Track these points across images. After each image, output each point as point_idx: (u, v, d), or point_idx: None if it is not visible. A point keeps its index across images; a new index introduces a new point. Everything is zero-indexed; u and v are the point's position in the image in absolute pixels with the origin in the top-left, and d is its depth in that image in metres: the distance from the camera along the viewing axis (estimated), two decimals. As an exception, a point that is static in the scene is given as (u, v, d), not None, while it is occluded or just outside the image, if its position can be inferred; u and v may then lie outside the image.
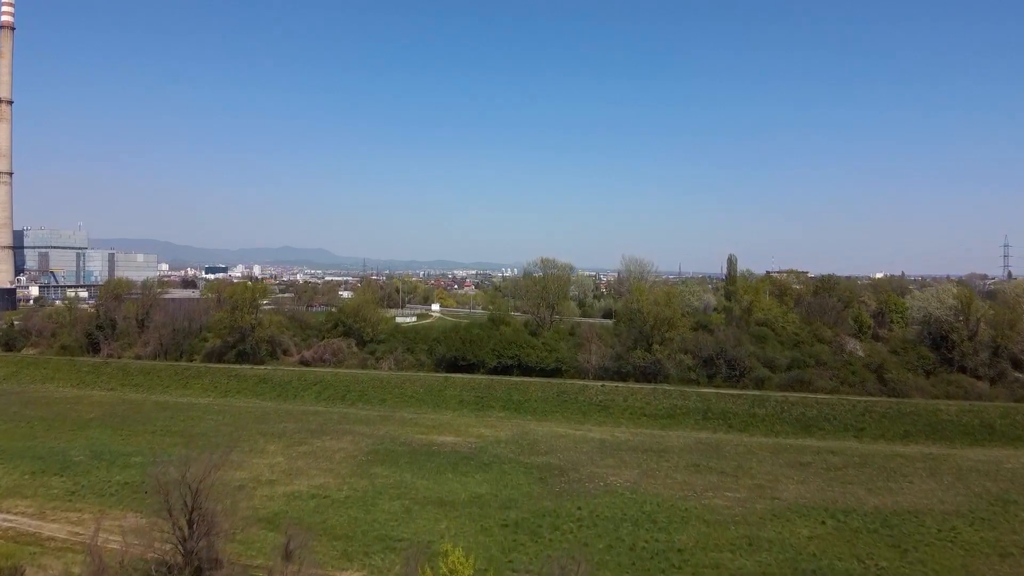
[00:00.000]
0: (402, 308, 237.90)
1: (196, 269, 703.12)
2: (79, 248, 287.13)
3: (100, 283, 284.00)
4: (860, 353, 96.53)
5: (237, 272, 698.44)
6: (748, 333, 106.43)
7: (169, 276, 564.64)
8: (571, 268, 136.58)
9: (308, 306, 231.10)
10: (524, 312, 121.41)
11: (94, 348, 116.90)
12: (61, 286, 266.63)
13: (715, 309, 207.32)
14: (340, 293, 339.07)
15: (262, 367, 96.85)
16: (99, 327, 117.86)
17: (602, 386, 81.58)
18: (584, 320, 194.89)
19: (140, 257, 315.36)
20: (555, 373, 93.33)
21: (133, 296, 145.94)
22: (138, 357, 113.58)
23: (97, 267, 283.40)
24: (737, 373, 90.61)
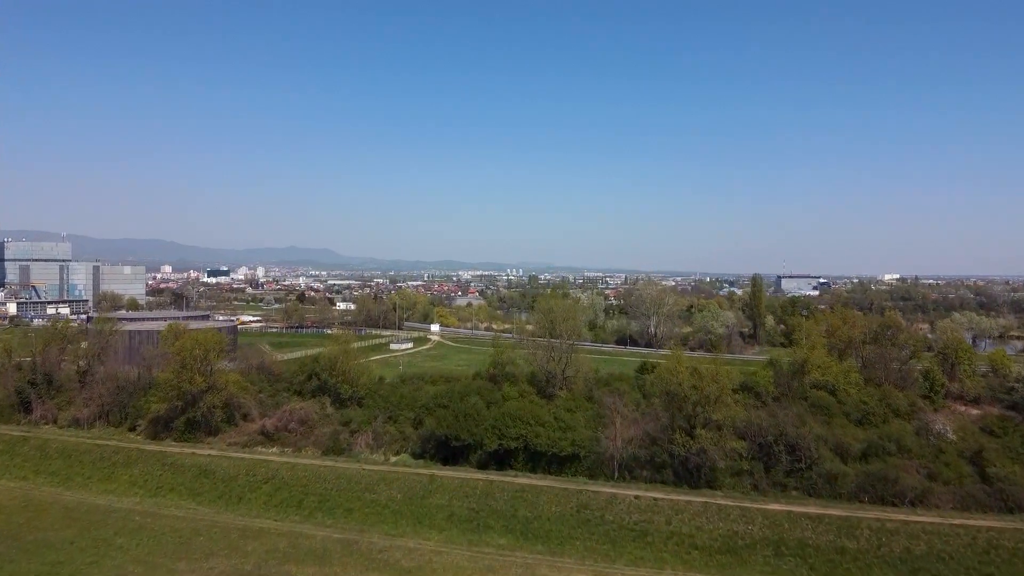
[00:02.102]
0: (399, 329, 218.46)
1: (199, 271, 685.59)
2: (62, 260, 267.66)
3: (84, 298, 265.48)
4: (951, 435, 76.05)
5: (240, 275, 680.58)
6: (804, 399, 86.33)
7: (168, 282, 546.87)
8: (581, 300, 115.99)
9: (298, 327, 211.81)
10: (533, 339, 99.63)
11: (27, 408, 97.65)
12: (42, 302, 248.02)
13: (742, 334, 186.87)
14: (338, 305, 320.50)
15: (205, 453, 76.89)
16: (31, 383, 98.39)
17: (636, 499, 61.23)
18: (595, 347, 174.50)
19: (127, 269, 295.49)
20: (571, 460, 73.31)
21: (90, 328, 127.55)
22: (75, 421, 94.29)
23: (81, 281, 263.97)
24: (803, 465, 70.44)
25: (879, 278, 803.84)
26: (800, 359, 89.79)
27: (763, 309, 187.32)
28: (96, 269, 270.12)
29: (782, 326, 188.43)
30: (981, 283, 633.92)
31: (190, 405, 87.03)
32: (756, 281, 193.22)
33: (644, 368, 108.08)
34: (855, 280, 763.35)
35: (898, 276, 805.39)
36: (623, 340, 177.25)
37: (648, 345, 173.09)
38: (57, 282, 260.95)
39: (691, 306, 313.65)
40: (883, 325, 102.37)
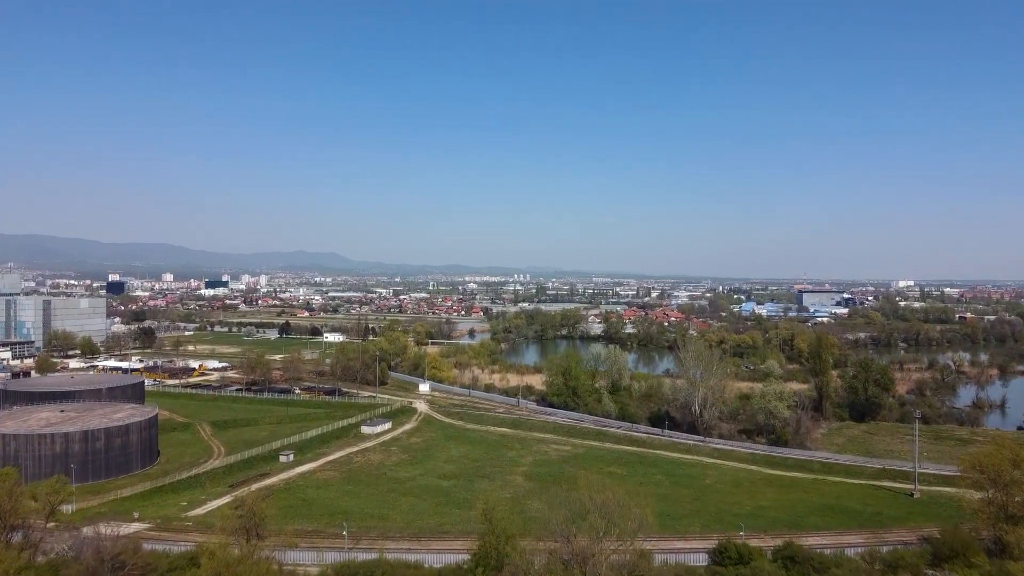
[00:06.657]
0: (383, 383, 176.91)
1: (200, 280, 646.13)
2: (8, 295, 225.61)
3: (31, 339, 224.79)
4: None
5: (241, 283, 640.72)
6: None
7: (166, 293, 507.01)
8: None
9: (261, 387, 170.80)
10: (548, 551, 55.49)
11: None
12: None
13: (809, 409, 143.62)
14: (325, 336, 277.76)
15: None
16: None
17: None
18: (623, 430, 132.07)
19: (84, 302, 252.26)
20: None
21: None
22: None
23: (30, 318, 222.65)
24: None
25: (895, 284, 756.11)
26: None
27: (829, 375, 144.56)
28: (47, 304, 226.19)
29: (851, 390, 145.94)
30: (1006, 294, 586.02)
31: None
32: (822, 338, 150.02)
33: (725, 556, 65.70)
34: (871, 289, 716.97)
35: (913, 282, 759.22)
36: (659, 420, 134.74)
37: (692, 428, 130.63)
38: (3, 319, 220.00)
39: (722, 341, 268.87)
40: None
